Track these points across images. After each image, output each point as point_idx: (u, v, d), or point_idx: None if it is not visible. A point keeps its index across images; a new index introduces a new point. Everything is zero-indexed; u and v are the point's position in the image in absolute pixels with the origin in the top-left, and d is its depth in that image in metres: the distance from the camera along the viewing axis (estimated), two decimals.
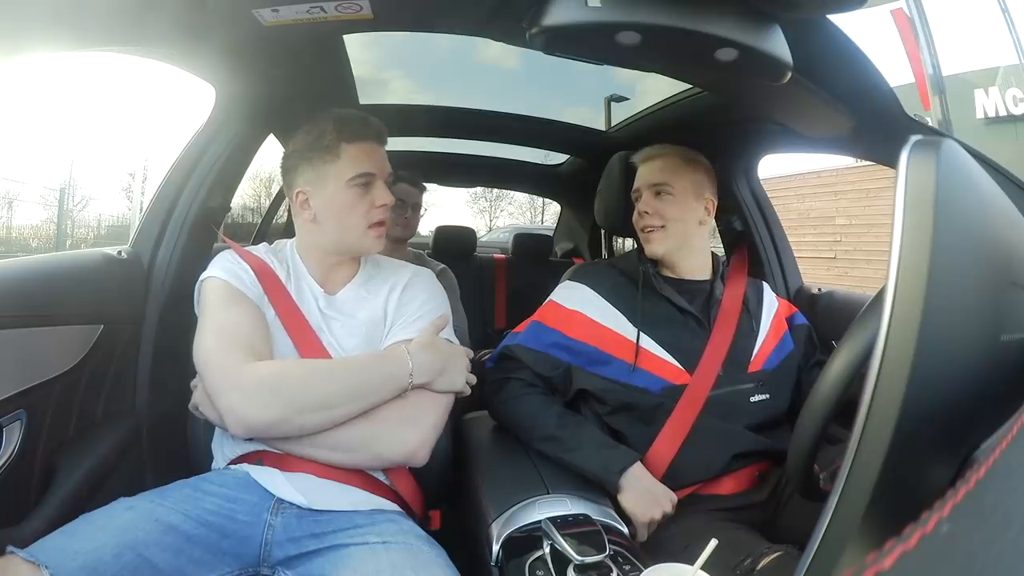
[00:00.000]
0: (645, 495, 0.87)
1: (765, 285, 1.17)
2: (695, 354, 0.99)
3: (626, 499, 0.87)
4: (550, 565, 0.69)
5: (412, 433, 0.82)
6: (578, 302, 1.05)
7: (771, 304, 1.12)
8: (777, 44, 0.69)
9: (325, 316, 0.90)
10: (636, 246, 1.17)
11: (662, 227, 1.05)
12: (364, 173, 0.89)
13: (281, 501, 0.81)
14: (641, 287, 1.04)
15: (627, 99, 2.02)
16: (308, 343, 0.86)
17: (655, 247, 1.06)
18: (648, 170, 1.09)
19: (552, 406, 0.98)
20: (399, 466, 0.88)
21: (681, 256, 1.07)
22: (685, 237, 1.06)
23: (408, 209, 1.67)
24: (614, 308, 1.03)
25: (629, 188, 1.13)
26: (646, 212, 1.06)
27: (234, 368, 0.76)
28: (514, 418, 0.99)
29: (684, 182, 1.06)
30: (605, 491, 0.89)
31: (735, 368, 1.00)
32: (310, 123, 0.91)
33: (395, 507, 0.86)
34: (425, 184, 1.78)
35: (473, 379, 0.91)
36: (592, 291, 1.06)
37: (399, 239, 1.68)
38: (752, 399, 1.00)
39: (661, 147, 1.11)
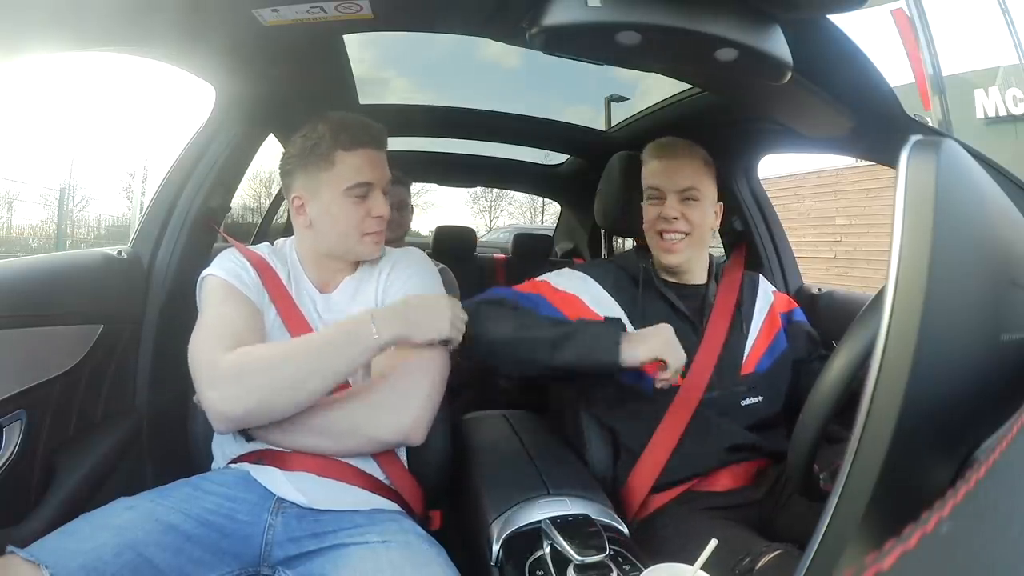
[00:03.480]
0: (651, 341, 0.87)
1: (761, 279, 1.15)
2: (688, 357, 0.98)
3: (645, 350, 0.86)
4: (550, 565, 0.69)
5: (405, 411, 0.80)
6: (578, 288, 1.03)
7: (765, 300, 1.11)
8: (777, 44, 0.69)
9: (323, 319, 0.90)
10: (635, 245, 1.16)
11: (686, 234, 1.01)
12: (361, 183, 0.87)
13: (281, 500, 0.81)
14: (641, 285, 1.03)
15: (627, 99, 2.02)
16: None
17: (677, 257, 1.02)
18: (674, 170, 1.03)
19: (544, 319, 0.94)
20: (396, 447, 0.87)
21: (691, 263, 1.06)
22: (701, 244, 1.05)
23: (393, 210, 1.65)
24: (615, 301, 1.02)
25: (630, 188, 1.13)
26: (674, 217, 1.01)
27: (210, 362, 0.75)
28: (502, 335, 0.92)
29: (707, 187, 1.03)
30: (605, 491, 0.89)
31: (727, 371, 1.00)
32: (307, 127, 0.89)
33: (395, 507, 0.86)
34: (414, 181, 1.77)
35: (462, 322, 0.85)
36: (594, 281, 1.04)
37: (392, 240, 1.66)
38: (743, 402, 0.99)
39: (681, 145, 1.06)
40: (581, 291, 1.03)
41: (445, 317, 0.82)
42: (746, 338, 1.04)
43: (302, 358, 0.76)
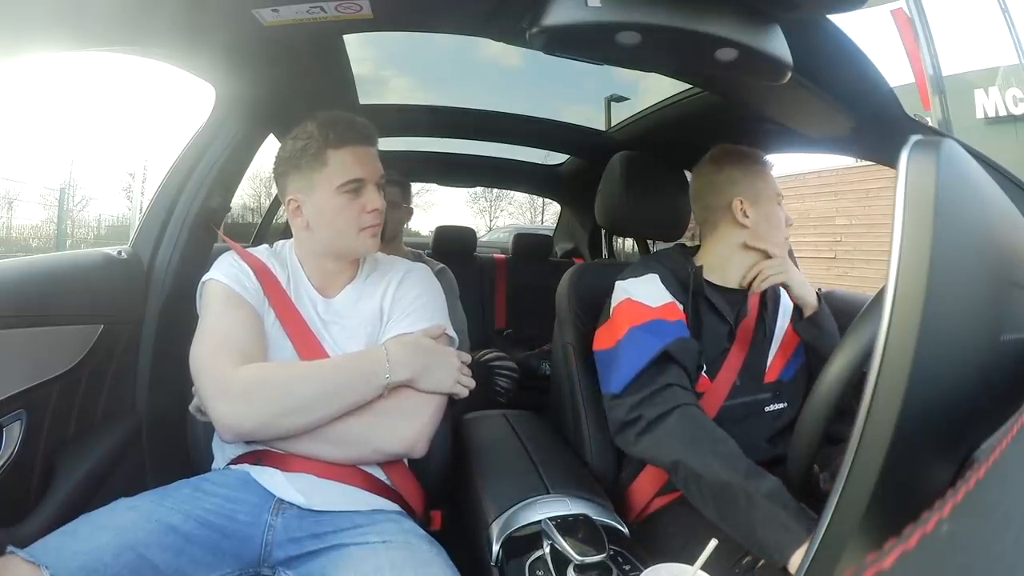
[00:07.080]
0: None
1: (781, 288, 1.11)
2: (718, 361, 0.98)
3: None
4: (550, 565, 0.69)
5: (409, 425, 0.83)
6: (666, 294, 0.98)
7: (786, 308, 1.09)
8: (777, 44, 0.69)
9: (324, 321, 0.90)
10: (677, 244, 1.15)
11: None
12: (353, 179, 0.87)
13: (281, 501, 0.81)
14: (692, 290, 1.00)
15: (627, 99, 2.02)
16: (309, 347, 0.86)
17: None
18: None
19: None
20: (399, 458, 0.88)
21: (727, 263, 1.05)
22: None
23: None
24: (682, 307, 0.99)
25: (631, 188, 1.12)
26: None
27: (221, 376, 0.77)
28: (691, 439, 0.82)
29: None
30: (606, 491, 0.89)
31: (751, 378, 0.98)
32: (297, 128, 0.90)
33: (396, 507, 0.86)
34: (414, 181, 1.76)
35: (469, 383, 0.89)
36: (663, 285, 0.99)
37: (387, 239, 1.65)
38: (767, 408, 0.98)
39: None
40: (668, 296, 0.98)
41: (451, 376, 0.86)
42: (769, 345, 1.03)
43: (313, 385, 0.79)
